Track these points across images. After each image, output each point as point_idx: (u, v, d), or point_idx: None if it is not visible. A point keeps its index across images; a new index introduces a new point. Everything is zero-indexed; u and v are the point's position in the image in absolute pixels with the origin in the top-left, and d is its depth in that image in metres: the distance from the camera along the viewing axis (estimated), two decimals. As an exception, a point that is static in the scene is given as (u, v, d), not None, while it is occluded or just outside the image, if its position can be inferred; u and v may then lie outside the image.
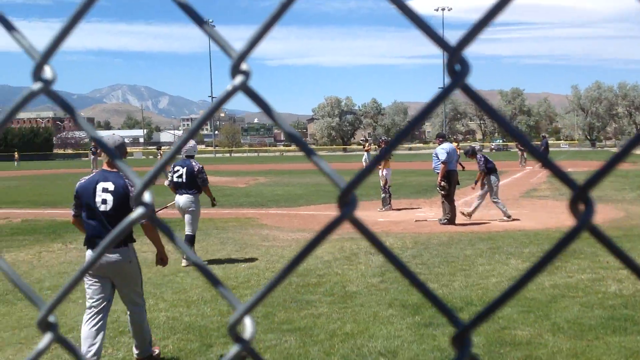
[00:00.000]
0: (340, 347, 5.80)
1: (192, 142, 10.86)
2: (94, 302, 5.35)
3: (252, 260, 10.21)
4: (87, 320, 5.27)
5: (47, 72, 0.68)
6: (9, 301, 7.77)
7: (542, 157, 0.57)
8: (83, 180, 5.52)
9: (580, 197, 0.53)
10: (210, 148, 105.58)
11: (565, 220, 13.87)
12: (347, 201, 0.60)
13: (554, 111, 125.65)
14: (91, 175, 5.57)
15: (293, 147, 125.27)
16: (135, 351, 5.61)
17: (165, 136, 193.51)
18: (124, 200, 5.33)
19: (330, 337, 6.10)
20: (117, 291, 5.57)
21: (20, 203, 20.92)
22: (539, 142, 37.67)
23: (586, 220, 0.53)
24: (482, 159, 13.98)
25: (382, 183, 16.76)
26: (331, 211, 15.45)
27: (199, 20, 0.67)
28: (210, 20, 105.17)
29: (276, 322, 6.63)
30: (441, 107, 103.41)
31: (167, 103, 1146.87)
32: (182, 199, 9.93)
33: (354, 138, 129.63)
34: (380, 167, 16.70)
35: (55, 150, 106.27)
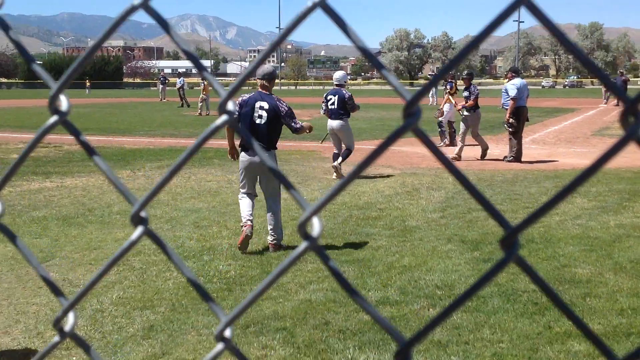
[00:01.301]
0: (397, 279, 5.85)
1: (342, 72, 12.06)
2: (245, 189, 7.05)
3: (313, 192, 10.31)
4: (242, 198, 7.06)
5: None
6: (80, 224, 8.11)
7: (601, 74, 0.58)
8: (245, 97, 6.92)
9: (631, 110, 0.55)
10: (276, 80, 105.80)
11: (637, 159, 13.39)
12: (412, 112, 0.60)
13: (633, 47, 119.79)
14: (251, 94, 6.93)
15: (358, 80, 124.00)
16: (270, 238, 6.92)
17: (232, 67, 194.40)
18: (274, 115, 6.80)
19: (388, 269, 6.15)
20: (260, 186, 7.03)
21: (91, 130, 21.58)
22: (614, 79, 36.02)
23: (635, 131, 0.55)
24: (477, 91, 13.64)
25: (438, 117, 16.56)
26: (394, 146, 15.36)
27: None
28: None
29: (335, 253, 6.72)
30: (515, 40, 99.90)
31: (235, 34, 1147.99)
32: (335, 123, 11.45)
33: (422, 72, 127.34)
34: (444, 101, 16.45)
35: (124, 79, 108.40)
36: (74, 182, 11.33)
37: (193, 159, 13.72)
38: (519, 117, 13.23)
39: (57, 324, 0.84)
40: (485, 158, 14.13)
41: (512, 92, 13.10)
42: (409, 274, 5.98)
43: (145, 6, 0.73)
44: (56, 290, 0.84)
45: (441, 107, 16.63)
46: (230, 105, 0.71)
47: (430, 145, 0.63)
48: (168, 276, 6.01)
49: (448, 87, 16.56)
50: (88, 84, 67.45)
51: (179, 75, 39.91)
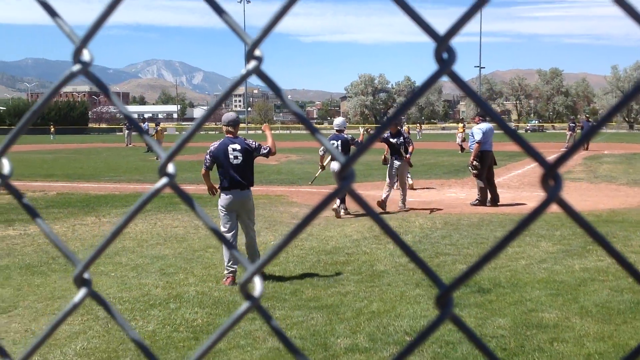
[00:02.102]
0: (366, 325, 5.83)
1: (342, 119, 13.07)
2: (226, 229, 7.55)
3: (280, 237, 10.27)
4: (225, 242, 6.52)
5: (86, 55, 0.75)
6: (44, 272, 7.95)
7: (517, 136, 0.64)
8: (216, 144, 7.57)
9: (550, 174, 0.61)
10: (242, 125, 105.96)
11: (599, 202, 13.68)
12: (345, 175, 0.64)
13: (592, 92, 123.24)
14: (220, 141, 7.59)
15: (325, 125, 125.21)
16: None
17: (199, 112, 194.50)
18: (247, 153, 7.54)
19: (357, 315, 6.13)
20: (239, 220, 7.63)
21: (56, 176, 21.30)
22: (579, 124, 36.92)
23: (555, 194, 0.60)
24: (409, 137, 13.47)
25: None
26: (361, 190, 15.45)
27: (218, 9, 0.70)
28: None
29: (304, 299, 6.69)
30: (477, 85, 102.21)
31: (202, 79, 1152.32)
32: (336, 166, 11.69)
33: (387, 116, 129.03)
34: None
35: (90, 125, 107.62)
36: (37, 229, 11.11)
37: (159, 204, 13.51)
38: (484, 160, 13.48)
39: None
40: (438, 204, 14.27)
41: (478, 136, 13.42)
42: (378, 320, 5.97)
43: (85, 72, 0.76)
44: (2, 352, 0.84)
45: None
46: (170, 168, 0.74)
47: (361, 203, 0.67)
48: (134, 325, 5.90)
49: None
50: (52, 129, 66.79)
51: (144, 120, 39.89)
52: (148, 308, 6.48)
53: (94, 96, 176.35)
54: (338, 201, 12.07)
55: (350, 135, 12.50)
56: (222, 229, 7.56)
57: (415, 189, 16.58)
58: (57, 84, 0.76)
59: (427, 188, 17.00)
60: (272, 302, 6.60)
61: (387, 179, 13.08)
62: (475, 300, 6.52)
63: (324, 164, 13.05)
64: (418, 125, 68.92)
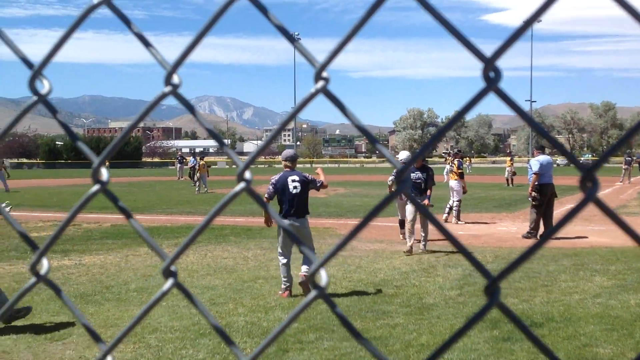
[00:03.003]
0: (415, 358, 5.77)
1: (407, 152, 13.75)
2: (282, 251, 8.45)
3: (329, 269, 10.29)
4: (281, 262, 8.48)
5: (175, 78, 0.84)
6: (97, 301, 8.13)
7: (556, 142, 0.73)
8: (276, 177, 8.50)
9: (588, 176, 0.67)
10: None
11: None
12: (403, 179, 0.72)
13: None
14: (280, 174, 8.52)
15: (373, 158, 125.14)
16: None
17: (248, 146, 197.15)
18: (305, 184, 8.47)
19: (406, 347, 6.08)
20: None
21: (110, 208, 21.71)
22: (637, 159, 36.08)
23: (593, 194, 0.66)
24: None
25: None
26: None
27: (289, 37, 0.77)
28: (296, 34, 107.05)
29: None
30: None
31: (252, 114, 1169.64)
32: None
33: (436, 150, 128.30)
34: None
35: (143, 159, 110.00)
36: (92, 259, 11.40)
37: (209, 236, 13.69)
38: (543, 193, 13.40)
39: None
40: (497, 236, 14.07)
41: (535, 167, 13.45)
42: (427, 353, 5.91)
43: (175, 93, 0.84)
44: (96, 338, 0.91)
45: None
46: (247, 175, 0.81)
47: (416, 203, 0.72)
48: (184, 354, 5.98)
49: (461, 165, 16.86)
50: (107, 163, 68.21)
51: (193, 155, 40.56)
52: (198, 337, 6.55)
53: (148, 131, 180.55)
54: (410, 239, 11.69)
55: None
56: (279, 251, 8.51)
57: (465, 223, 16.41)
58: (151, 102, 0.84)
59: (477, 222, 16.79)
60: (321, 332, 6.60)
61: (407, 221, 11.81)
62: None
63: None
64: (468, 158, 68.33)
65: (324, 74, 0.74)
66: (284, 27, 0.77)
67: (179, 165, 47.65)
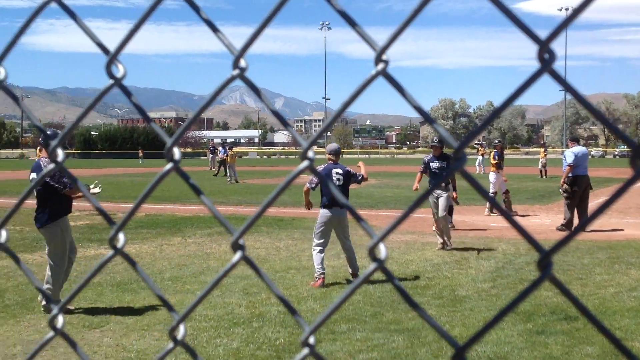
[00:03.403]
0: (448, 350, 5.77)
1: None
2: (320, 241, 8.69)
3: (361, 260, 10.30)
4: (316, 251, 8.68)
5: (242, 62, 0.88)
6: (134, 290, 8.27)
7: (603, 118, 0.75)
8: (321, 168, 8.89)
9: (639, 154, 0.68)
10: (322, 149, 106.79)
11: (694, 231, 13.03)
12: (459, 156, 0.76)
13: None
14: (324, 166, 8.91)
15: (404, 149, 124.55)
16: (349, 270, 8.84)
17: (279, 137, 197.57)
18: (347, 177, 8.86)
19: (439, 340, 6.08)
20: (336, 235, 8.79)
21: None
22: None
23: None
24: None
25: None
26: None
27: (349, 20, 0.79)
28: (327, 23, 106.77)
29: (384, 322, 6.69)
30: (561, 109, 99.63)
31: (282, 104, 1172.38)
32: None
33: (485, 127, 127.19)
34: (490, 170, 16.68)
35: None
36: (127, 249, 11.40)
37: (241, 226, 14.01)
38: (577, 185, 13.21)
39: (172, 333, 0.98)
40: (530, 228, 13.94)
41: (569, 159, 13.26)
42: (460, 345, 5.89)
43: (242, 76, 0.88)
44: (169, 307, 0.96)
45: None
46: (310, 153, 0.84)
47: (471, 180, 0.75)
48: (218, 342, 6.06)
49: (496, 157, 16.70)
50: (141, 153, 69.28)
51: (223, 145, 40.70)
52: (232, 326, 6.63)
53: (180, 121, 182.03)
54: (449, 217, 12.62)
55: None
56: (316, 240, 8.72)
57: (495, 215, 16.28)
58: (220, 86, 0.88)
59: (512, 214, 16.66)
60: (353, 323, 6.64)
61: (433, 217, 11.43)
62: (562, 328, 6.35)
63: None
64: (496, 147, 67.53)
65: (384, 57, 0.77)
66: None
67: (211, 155, 47.98)
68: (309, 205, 9.22)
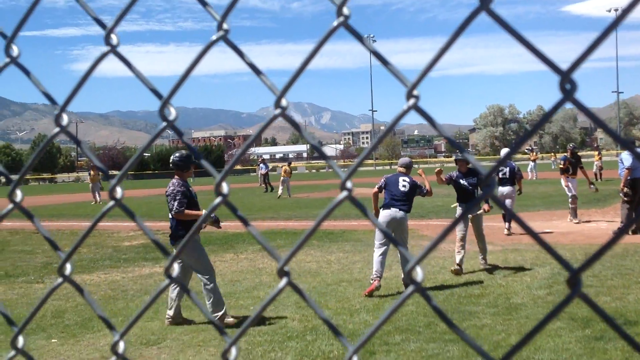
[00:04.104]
0: None
1: (505, 149, 15.39)
2: (380, 243, 8.82)
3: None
4: (377, 253, 8.81)
5: (284, 102, 0.94)
6: (189, 307, 8.39)
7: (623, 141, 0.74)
8: (389, 176, 9.41)
9: None
10: (370, 161, 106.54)
11: None
12: (488, 183, 0.77)
13: None
14: (393, 174, 9.38)
15: (453, 158, 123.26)
16: (402, 277, 9.04)
17: (328, 150, 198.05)
18: (413, 186, 9.22)
19: (495, 348, 5.99)
20: (394, 235, 8.87)
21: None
22: None
23: None
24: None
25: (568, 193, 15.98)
26: (492, 222, 15.09)
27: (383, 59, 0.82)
28: (371, 36, 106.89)
29: (438, 332, 6.63)
30: (614, 111, 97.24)
31: (329, 118, 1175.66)
32: (505, 189, 13.92)
33: (507, 147, 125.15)
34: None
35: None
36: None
37: (292, 241, 13.85)
38: (635, 187, 12.87)
39: (225, 355, 1.02)
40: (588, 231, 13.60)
41: (627, 162, 12.95)
42: (517, 354, 5.79)
43: (284, 115, 0.94)
44: (222, 331, 0.99)
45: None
46: (349, 184, 0.88)
47: (500, 204, 0.76)
48: (273, 356, 6.10)
49: (561, 161, 16.37)
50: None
51: (263, 161, 40.81)
52: (286, 340, 6.67)
53: (229, 139, 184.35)
54: (507, 223, 14.21)
55: (517, 166, 14.37)
56: (376, 242, 8.93)
57: (581, 222, 15.95)
58: (264, 125, 0.99)
59: (564, 219, 16.28)
60: (407, 334, 6.59)
61: (457, 234, 10.09)
62: (621, 334, 6.18)
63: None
64: (552, 154, 66.40)
65: (415, 92, 0.81)
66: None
67: (260, 171, 48.44)
68: (377, 212, 9.24)
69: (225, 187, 0.97)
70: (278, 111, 0.91)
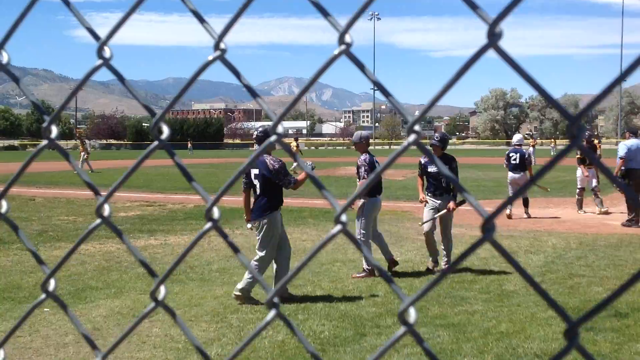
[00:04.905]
0: (494, 346, 5.72)
1: (519, 135, 15.49)
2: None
3: (407, 253, 10.27)
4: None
5: (280, 128, 0.91)
6: (182, 281, 8.42)
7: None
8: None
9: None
10: (370, 140, 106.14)
11: None
12: (489, 227, 0.75)
13: None
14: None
15: (453, 139, 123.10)
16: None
17: (327, 128, 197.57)
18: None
19: (484, 335, 6.02)
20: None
21: (194, 189, 22.37)
22: None
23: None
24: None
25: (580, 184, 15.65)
26: (490, 207, 15.09)
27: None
28: (376, 13, 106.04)
29: (430, 317, 6.66)
30: (616, 99, 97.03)
31: (331, 95, 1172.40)
32: (517, 175, 14.30)
33: (519, 132, 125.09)
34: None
35: (225, 140, 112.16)
36: (176, 240, 11.80)
37: (288, 218, 13.91)
38: (630, 178, 12.80)
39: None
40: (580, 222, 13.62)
41: (622, 152, 12.96)
42: (507, 341, 5.84)
43: (280, 141, 0.91)
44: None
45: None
46: (343, 218, 0.85)
47: (502, 250, 0.73)
48: (264, 334, 6.12)
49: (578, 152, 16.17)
50: (190, 144, 70.25)
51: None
52: (277, 318, 6.68)
53: (229, 113, 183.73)
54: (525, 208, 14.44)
55: (528, 152, 14.86)
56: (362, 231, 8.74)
57: (585, 213, 15.97)
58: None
59: (560, 207, 16.30)
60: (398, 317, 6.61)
61: (424, 231, 9.25)
62: (611, 325, 6.21)
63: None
64: (552, 140, 66.35)
65: (416, 128, 0.80)
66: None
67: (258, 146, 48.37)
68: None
69: (216, 212, 0.96)
70: (274, 138, 0.89)
